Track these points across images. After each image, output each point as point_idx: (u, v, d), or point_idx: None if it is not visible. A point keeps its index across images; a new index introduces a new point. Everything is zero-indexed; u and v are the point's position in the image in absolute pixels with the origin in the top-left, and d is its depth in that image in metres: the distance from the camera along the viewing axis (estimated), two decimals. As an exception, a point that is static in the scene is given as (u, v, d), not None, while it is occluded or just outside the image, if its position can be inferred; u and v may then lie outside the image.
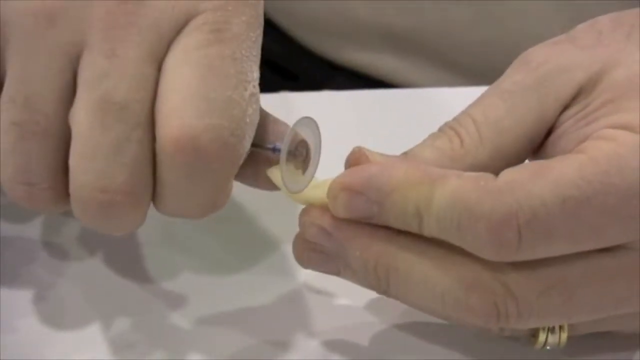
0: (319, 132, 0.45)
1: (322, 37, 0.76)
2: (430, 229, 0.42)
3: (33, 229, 0.52)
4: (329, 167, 0.45)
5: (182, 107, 0.42)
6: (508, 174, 0.41)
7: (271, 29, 0.77)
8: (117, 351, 0.47)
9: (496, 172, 0.42)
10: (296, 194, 0.45)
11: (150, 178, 0.43)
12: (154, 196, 0.44)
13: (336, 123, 0.58)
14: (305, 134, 0.45)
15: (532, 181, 0.40)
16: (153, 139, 0.43)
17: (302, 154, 0.45)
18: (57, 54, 0.43)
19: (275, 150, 0.45)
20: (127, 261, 0.51)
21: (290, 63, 0.78)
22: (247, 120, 0.43)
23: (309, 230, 0.44)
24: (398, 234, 0.43)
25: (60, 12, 0.43)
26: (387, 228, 0.43)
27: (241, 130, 0.43)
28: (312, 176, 0.45)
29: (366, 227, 0.43)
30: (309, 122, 0.45)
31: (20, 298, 0.49)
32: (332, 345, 0.48)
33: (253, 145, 0.45)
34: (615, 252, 0.42)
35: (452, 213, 0.41)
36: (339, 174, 0.44)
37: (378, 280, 0.43)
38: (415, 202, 0.42)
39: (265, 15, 0.80)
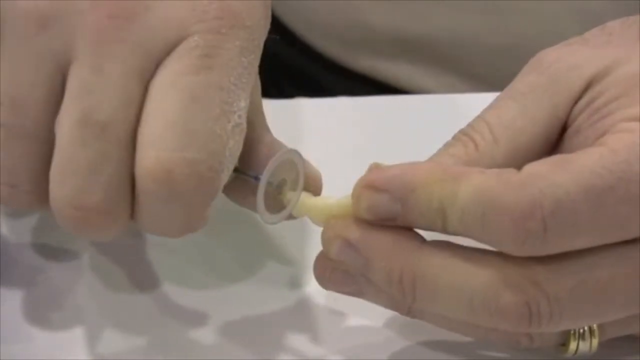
0: (303, 163, 0.45)
1: (336, 43, 0.76)
2: (454, 226, 0.41)
3: (48, 236, 0.52)
4: (344, 173, 0.45)
5: (160, 137, 0.42)
6: (530, 167, 0.41)
7: (285, 35, 0.77)
8: (132, 357, 0.47)
9: None
10: (303, 211, 0.45)
11: (129, 197, 0.43)
12: (132, 212, 0.44)
13: (350, 129, 0.58)
14: (289, 166, 0.45)
15: (555, 172, 0.40)
16: (134, 158, 0.43)
17: (285, 185, 0.45)
18: (46, 59, 0.43)
19: (257, 179, 0.45)
20: (142, 268, 0.51)
21: (304, 69, 0.78)
22: (227, 153, 0.43)
23: (332, 247, 0.43)
24: (422, 243, 0.43)
25: (52, 17, 0.43)
26: (411, 239, 0.43)
27: (220, 164, 0.43)
28: (289, 212, 0.45)
29: (390, 237, 0.43)
30: (293, 154, 0.45)
31: (36, 305, 0.49)
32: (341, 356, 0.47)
33: (236, 170, 0.44)
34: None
35: (476, 208, 0.41)
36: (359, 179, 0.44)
37: (403, 293, 0.43)
38: (439, 198, 0.41)
39: (279, 21, 0.80)
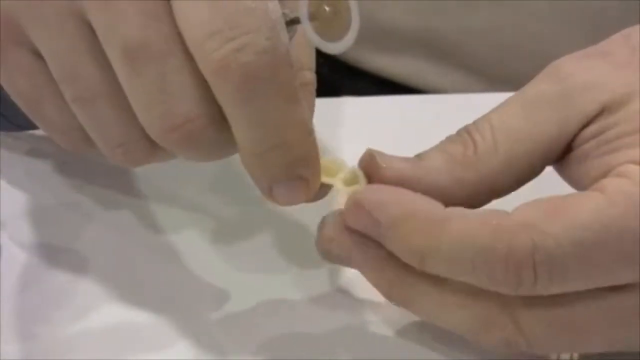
0: None
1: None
2: (437, 269, 0.42)
3: (49, 235, 0.52)
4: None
5: (203, 39, 0.40)
6: (522, 212, 0.41)
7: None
8: (138, 355, 0.47)
9: (507, 182, 0.43)
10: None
11: (211, 101, 0.41)
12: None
13: (356, 129, 0.59)
14: None
15: (548, 221, 0.40)
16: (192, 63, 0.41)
17: (329, 10, 0.42)
18: (67, 20, 0.43)
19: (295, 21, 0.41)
20: (145, 269, 0.51)
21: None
22: (273, 17, 0.41)
23: (321, 249, 0.45)
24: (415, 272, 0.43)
25: None
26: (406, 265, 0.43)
27: (271, 30, 0.40)
28: (355, 31, 0.42)
29: (379, 255, 0.43)
30: None
31: (37, 305, 0.49)
32: (343, 345, 0.48)
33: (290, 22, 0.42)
34: (625, 290, 0.41)
35: (465, 254, 0.41)
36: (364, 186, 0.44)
37: (391, 300, 0.44)
38: (417, 246, 0.42)
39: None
